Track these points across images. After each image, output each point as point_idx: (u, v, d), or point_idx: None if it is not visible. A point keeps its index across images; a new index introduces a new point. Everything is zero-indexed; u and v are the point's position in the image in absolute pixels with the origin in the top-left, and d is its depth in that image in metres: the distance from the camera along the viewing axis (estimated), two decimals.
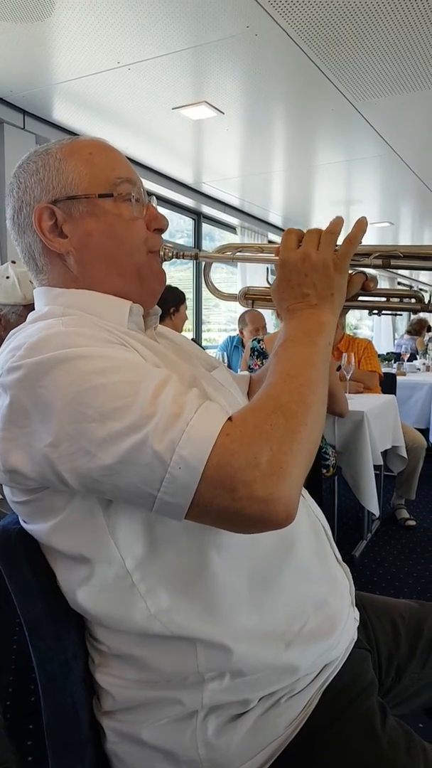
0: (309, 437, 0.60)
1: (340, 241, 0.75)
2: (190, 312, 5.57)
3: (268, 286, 0.82)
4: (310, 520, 0.83)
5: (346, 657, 0.79)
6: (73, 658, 0.75)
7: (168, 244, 0.84)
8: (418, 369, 5.15)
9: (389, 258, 0.78)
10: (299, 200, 5.64)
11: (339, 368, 2.97)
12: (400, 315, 0.87)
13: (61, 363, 0.61)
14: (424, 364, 5.36)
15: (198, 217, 5.80)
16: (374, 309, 0.82)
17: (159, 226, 0.82)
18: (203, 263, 0.90)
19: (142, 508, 0.62)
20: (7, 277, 1.75)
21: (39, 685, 0.76)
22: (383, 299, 0.82)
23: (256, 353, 3.02)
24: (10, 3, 2.29)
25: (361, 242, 0.75)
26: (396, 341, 8.48)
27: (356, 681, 0.78)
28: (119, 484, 0.59)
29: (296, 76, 2.89)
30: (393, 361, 5.42)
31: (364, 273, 0.79)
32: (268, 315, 4.75)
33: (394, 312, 0.84)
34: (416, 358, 5.94)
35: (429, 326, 7.13)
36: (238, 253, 0.85)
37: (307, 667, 0.74)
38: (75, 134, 3.75)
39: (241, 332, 4.29)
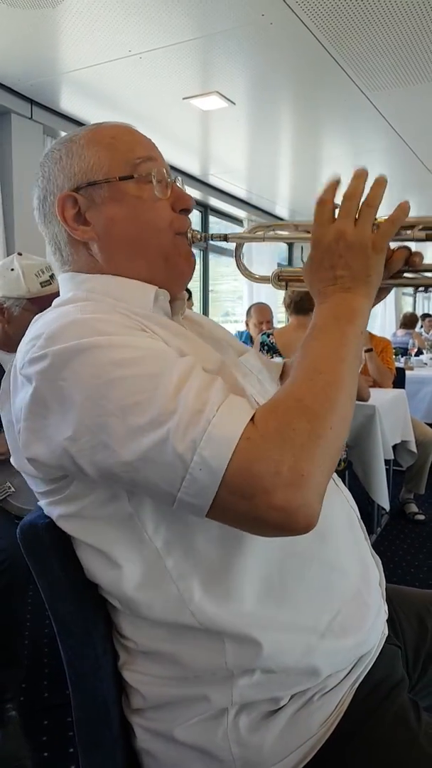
0: (334, 441, 0.57)
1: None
2: (196, 305, 5.53)
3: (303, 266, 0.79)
4: (345, 510, 0.81)
5: (378, 653, 0.77)
6: (103, 654, 0.74)
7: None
8: (425, 364, 5.13)
9: None
10: (306, 192, 5.58)
11: (370, 350, 2.98)
12: None
13: (81, 354, 0.59)
14: (431, 358, 5.34)
15: (205, 209, 5.76)
16: (421, 286, 0.74)
17: (185, 205, 0.78)
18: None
19: (162, 504, 0.61)
20: (12, 270, 1.70)
21: (69, 682, 0.75)
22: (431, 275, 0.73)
23: (266, 347, 2.99)
24: None
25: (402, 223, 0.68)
26: (392, 338, 8.47)
27: (388, 678, 0.77)
28: (139, 481, 0.59)
29: (309, 65, 2.85)
30: (400, 356, 5.40)
31: (407, 248, 0.72)
32: (277, 309, 4.72)
33: None
34: (422, 353, 5.91)
35: (423, 316, 7.10)
36: (269, 232, 0.80)
37: (338, 665, 0.72)
38: (82, 124, 3.70)
39: (246, 324, 4.26)
